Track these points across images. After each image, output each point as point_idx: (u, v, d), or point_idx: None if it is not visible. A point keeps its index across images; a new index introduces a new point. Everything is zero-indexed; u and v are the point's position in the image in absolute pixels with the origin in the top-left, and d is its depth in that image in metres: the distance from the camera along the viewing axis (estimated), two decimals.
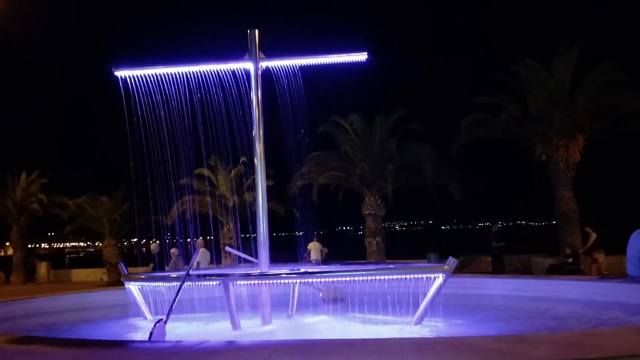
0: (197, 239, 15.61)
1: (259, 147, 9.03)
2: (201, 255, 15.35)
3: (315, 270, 10.12)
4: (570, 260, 15.16)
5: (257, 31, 9.13)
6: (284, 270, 9.04)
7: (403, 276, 8.13)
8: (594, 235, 15.60)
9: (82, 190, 26.42)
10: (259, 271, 8.83)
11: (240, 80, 9.08)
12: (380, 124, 21.08)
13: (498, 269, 17.41)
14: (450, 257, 8.18)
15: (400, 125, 20.84)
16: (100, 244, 27.63)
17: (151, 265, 15.82)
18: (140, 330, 8.69)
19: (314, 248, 18.36)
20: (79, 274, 27.77)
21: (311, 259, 17.77)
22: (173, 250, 16.36)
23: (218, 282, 8.36)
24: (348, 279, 8.45)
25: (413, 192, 22.50)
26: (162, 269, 15.32)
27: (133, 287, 9.57)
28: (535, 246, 25.20)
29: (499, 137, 18.13)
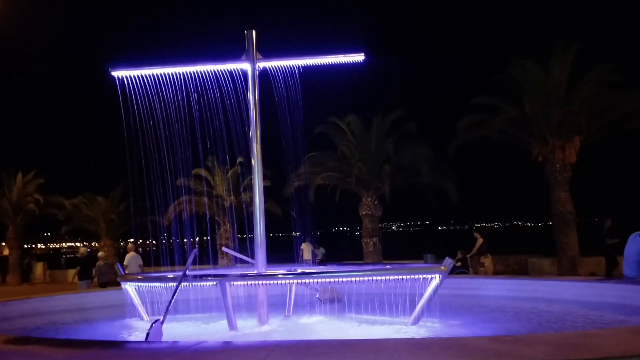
0: (129, 243, 16.06)
1: (256, 148, 9.03)
2: (131, 259, 15.87)
3: (312, 270, 10.13)
4: (459, 264, 15.71)
5: (254, 32, 9.14)
6: (280, 270, 9.04)
7: (400, 277, 8.14)
8: (480, 240, 16.26)
9: (78, 190, 26.42)
10: (255, 272, 8.84)
11: (237, 81, 9.08)
12: (377, 124, 21.11)
13: (611, 270, 15.72)
14: (446, 257, 8.20)
15: (397, 126, 20.89)
16: (97, 244, 27.59)
17: (77, 268, 15.98)
18: (136, 330, 8.68)
19: (306, 248, 18.47)
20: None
21: (304, 258, 17.91)
22: (100, 254, 16.62)
23: (215, 283, 8.36)
24: (345, 279, 8.46)
25: (410, 193, 22.56)
26: (89, 272, 15.67)
27: (129, 287, 9.56)
28: (532, 247, 25.27)
29: (496, 138, 18.16)
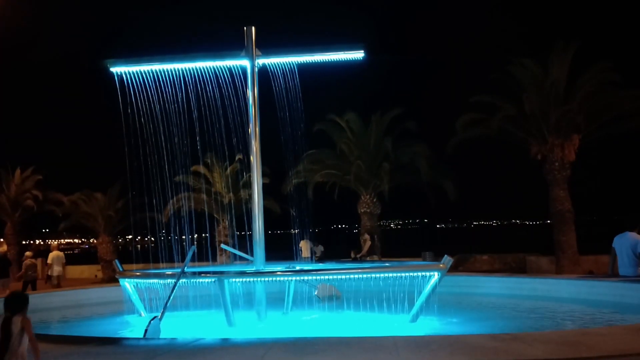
0: (52, 243, 16.87)
1: (255, 145, 9.02)
2: (54, 258, 17.18)
3: (311, 268, 10.13)
4: None
5: (253, 28, 9.11)
6: (279, 268, 9.05)
7: (398, 274, 8.15)
8: (369, 242, 17.29)
9: (76, 186, 26.32)
10: (254, 269, 8.84)
11: (236, 78, 9.06)
12: (376, 122, 21.07)
13: None
14: (445, 255, 8.20)
15: (396, 124, 20.83)
16: (95, 241, 27.52)
17: None
18: (134, 327, 8.67)
19: (305, 246, 18.48)
20: (74, 271, 27.62)
21: (303, 256, 17.96)
22: (27, 253, 17.19)
23: (214, 280, 8.36)
24: (343, 277, 8.47)
25: (408, 191, 22.50)
26: (6, 271, 16.12)
27: (128, 284, 9.56)
28: (530, 245, 25.29)
29: (495, 136, 18.12)
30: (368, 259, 16.96)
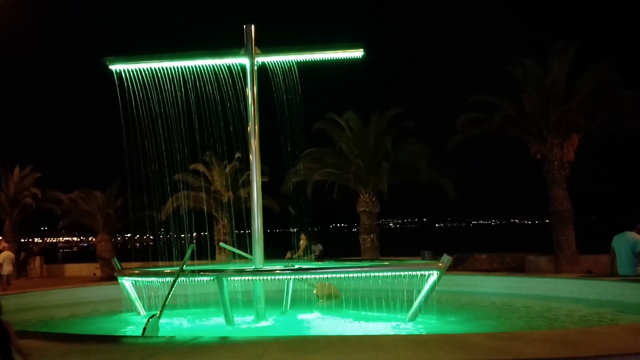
0: (2, 243, 17.55)
1: (254, 143, 9.01)
2: (5, 257, 18.09)
3: (310, 267, 10.13)
4: None
5: (253, 26, 9.10)
6: (278, 266, 9.04)
7: (397, 273, 8.14)
8: (303, 243, 17.64)
9: (75, 184, 26.29)
10: (253, 267, 8.83)
11: (236, 76, 9.04)
12: (375, 121, 21.05)
13: None
14: (444, 254, 8.20)
15: (396, 123, 20.81)
16: (94, 239, 27.49)
17: None
18: (133, 325, 8.66)
19: (303, 241, 18.55)
20: (72, 269, 27.64)
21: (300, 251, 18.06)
22: None
23: (212, 278, 8.35)
24: (342, 275, 8.46)
25: (408, 190, 22.47)
26: None
27: (126, 282, 9.54)
28: (529, 245, 25.31)
29: (494, 136, 18.12)
30: (305, 258, 17.30)
